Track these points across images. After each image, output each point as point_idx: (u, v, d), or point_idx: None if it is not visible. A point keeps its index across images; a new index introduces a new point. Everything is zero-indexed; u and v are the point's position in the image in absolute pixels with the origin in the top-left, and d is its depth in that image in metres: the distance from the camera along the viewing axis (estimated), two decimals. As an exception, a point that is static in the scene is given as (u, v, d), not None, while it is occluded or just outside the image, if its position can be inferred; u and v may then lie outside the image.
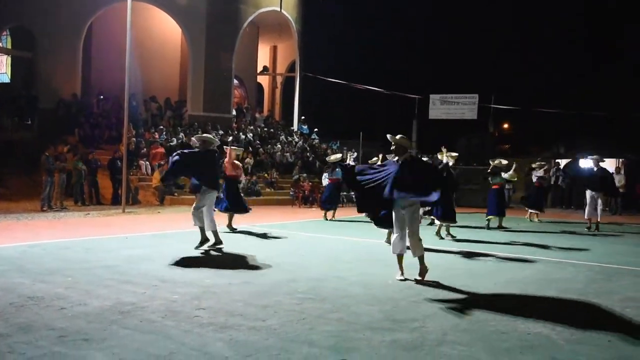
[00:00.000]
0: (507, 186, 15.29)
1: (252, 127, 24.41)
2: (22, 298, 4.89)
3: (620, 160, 21.25)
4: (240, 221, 11.38)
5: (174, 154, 8.41)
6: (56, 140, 16.15)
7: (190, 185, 9.39)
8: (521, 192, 19.96)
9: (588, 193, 13.10)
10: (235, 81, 24.93)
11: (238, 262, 7.22)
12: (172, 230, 10.54)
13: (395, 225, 6.26)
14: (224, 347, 3.81)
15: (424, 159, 10.76)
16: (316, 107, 30.03)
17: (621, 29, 33.14)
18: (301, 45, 27.45)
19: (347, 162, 14.29)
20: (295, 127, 27.30)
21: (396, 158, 6.35)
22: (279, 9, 25.04)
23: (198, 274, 6.25)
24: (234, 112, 24.18)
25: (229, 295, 5.26)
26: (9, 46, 24.45)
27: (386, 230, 8.94)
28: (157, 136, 19.35)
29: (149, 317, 4.45)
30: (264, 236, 10.04)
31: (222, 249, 8.20)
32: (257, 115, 26.75)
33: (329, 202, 14.05)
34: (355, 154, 21.75)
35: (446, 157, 10.29)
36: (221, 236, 8.53)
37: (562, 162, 23.03)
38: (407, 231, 6.19)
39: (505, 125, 37.43)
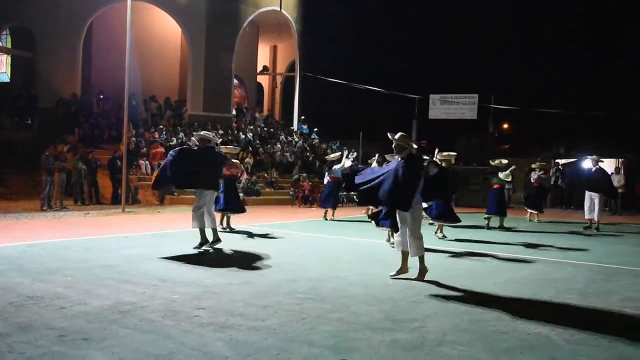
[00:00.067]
0: (507, 186, 15.30)
1: (252, 127, 24.41)
2: (21, 297, 4.89)
3: (620, 160, 21.25)
4: (240, 221, 11.38)
5: (168, 154, 8.20)
6: (56, 139, 16.15)
7: (159, 179, 8.26)
8: (521, 192, 19.97)
9: (587, 193, 13.13)
10: (235, 81, 24.93)
11: (238, 262, 7.22)
12: (172, 229, 10.54)
13: (399, 223, 6.34)
14: (224, 347, 3.81)
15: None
16: (316, 107, 30.03)
17: (621, 29, 33.14)
18: (301, 45, 27.45)
19: (345, 161, 14.31)
20: (295, 126, 27.31)
21: (397, 157, 6.40)
22: (278, 9, 25.05)
23: (198, 274, 6.24)
24: (234, 112, 24.18)
25: (229, 295, 5.25)
26: (9, 46, 24.46)
27: (386, 231, 8.96)
28: (157, 136, 19.35)
29: (149, 317, 4.44)
30: (263, 236, 10.04)
31: (222, 249, 8.20)
32: (257, 115, 26.75)
33: (328, 200, 14.04)
34: (355, 153, 21.75)
35: (437, 157, 10.13)
36: (221, 236, 8.52)
37: (562, 162, 23.04)
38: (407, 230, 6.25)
39: (505, 125, 37.42)
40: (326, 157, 16.59)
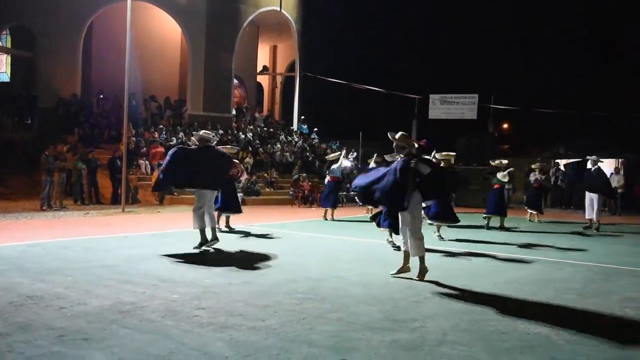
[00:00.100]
0: (507, 186, 15.32)
1: (251, 127, 24.42)
2: (21, 297, 4.89)
3: (620, 160, 21.25)
4: (239, 221, 11.38)
5: (168, 154, 8.16)
6: (56, 139, 16.15)
7: (159, 181, 8.48)
8: (521, 192, 19.97)
9: (587, 194, 13.16)
10: (235, 81, 24.93)
11: (238, 262, 7.21)
12: (172, 229, 10.53)
13: (400, 223, 6.39)
14: (224, 347, 3.81)
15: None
16: (316, 107, 30.03)
17: (621, 29, 33.15)
18: (301, 45, 27.45)
19: (342, 161, 14.33)
20: (295, 126, 27.31)
21: (399, 156, 6.42)
22: (278, 9, 25.05)
23: (198, 274, 6.24)
24: (234, 112, 24.19)
25: (229, 295, 5.25)
26: (9, 45, 24.45)
27: (386, 231, 8.96)
28: (156, 135, 19.35)
29: (149, 317, 4.44)
30: (263, 236, 10.04)
31: (222, 249, 8.20)
32: (256, 115, 26.76)
33: (328, 199, 14.04)
34: (355, 153, 21.75)
35: (436, 157, 10.12)
36: (221, 236, 8.52)
37: (564, 162, 23.02)
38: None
39: (505, 126, 37.42)
40: (326, 157, 16.59)
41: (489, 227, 12.45)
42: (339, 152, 15.87)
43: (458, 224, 10.39)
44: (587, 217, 13.21)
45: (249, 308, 4.81)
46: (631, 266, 7.87)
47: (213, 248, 8.19)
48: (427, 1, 35.25)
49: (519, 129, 36.43)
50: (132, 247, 8.09)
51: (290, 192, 19.57)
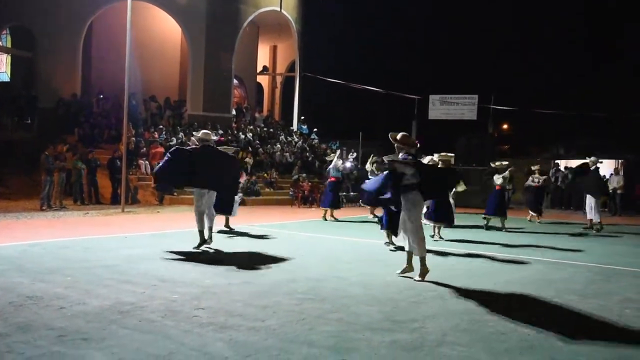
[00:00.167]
0: (507, 187, 15.30)
1: (251, 127, 24.41)
2: (21, 297, 4.88)
3: (620, 161, 21.25)
4: (239, 221, 11.37)
5: (167, 154, 8.14)
6: (56, 139, 16.13)
7: (159, 179, 8.59)
8: (520, 193, 19.95)
9: (586, 194, 13.24)
10: (235, 81, 24.93)
11: (238, 262, 7.21)
12: (172, 229, 10.53)
13: (401, 224, 6.44)
14: (224, 347, 3.81)
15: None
16: (316, 107, 30.03)
17: (621, 29, 33.16)
18: (301, 45, 27.45)
19: (337, 161, 14.31)
20: (294, 127, 27.30)
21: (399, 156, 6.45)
22: (278, 9, 25.05)
23: (198, 274, 6.24)
24: (234, 112, 24.18)
25: (228, 295, 5.25)
26: (9, 45, 24.44)
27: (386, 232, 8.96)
28: (156, 136, 19.34)
29: (149, 317, 4.44)
30: (263, 236, 10.03)
31: (222, 249, 8.19)
32: (256, 115, 26.76)
33: (327, 199, 14.02)
34: (355, 154, 21.74)
35: (435, 158, 10.10)
36: (221, 236, 8.52)
37: (562, 163, 23.03)
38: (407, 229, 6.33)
39: (505, 126, 37.42)
40: (326, 158, 16.59)
41: (488, 228, 12.44)
42: (338, 151, 15.92)
43: (453, 225, 10.40)
44: (587, 217, 13.25)
45: (248, 308, 4.81)
46: (631, 267, 7.87)
47: (213, 248, 8.19)
48: (427, 1, 35.29)
49: (518, 129, 36.45)
50: (132, 247, 8.09)
51: (290, 193, 19.56)
